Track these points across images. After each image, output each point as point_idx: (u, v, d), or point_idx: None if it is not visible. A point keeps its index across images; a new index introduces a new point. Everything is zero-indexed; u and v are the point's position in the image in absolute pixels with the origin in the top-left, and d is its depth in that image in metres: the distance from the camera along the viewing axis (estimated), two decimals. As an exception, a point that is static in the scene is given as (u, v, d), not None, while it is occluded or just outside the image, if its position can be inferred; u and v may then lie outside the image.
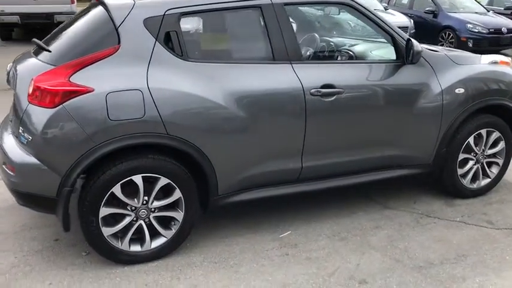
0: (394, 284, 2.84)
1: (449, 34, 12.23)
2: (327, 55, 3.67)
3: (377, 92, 3.38)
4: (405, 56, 3.37)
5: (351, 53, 3.63)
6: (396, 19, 12.08)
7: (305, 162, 3.28)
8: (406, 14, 13.02)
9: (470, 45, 11.78)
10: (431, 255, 3.14)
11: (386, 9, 12.92)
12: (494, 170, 4.00)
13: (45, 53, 2.96)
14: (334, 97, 3.21)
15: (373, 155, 3.51)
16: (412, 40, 3.33)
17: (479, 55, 3.97)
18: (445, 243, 3.28)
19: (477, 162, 3.89)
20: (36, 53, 3.07)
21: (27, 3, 11.68)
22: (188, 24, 3.00)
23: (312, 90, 3.14)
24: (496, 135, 3.86)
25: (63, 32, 3.10)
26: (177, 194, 2.95)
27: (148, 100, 2.74)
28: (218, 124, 2.94)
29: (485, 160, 3.93)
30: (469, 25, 11.94)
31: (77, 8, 11.73)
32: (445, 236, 3.37)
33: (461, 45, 11.90)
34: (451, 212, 3.73)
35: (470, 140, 3.77)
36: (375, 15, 3.42)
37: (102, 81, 2.71)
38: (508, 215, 3.69)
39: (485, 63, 3.86)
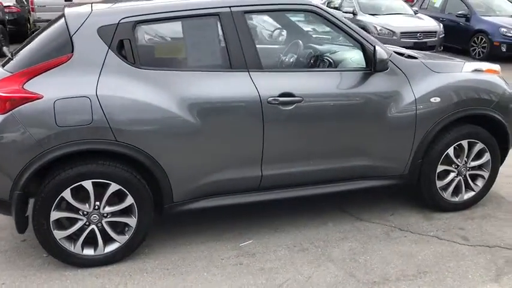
0: (340, 299, 2.76)
1: (481, 38, 11.77)
2: (290, 63, 3.61)
3: (342, 101, 3.30)
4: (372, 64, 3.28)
5: (318, 61, 3.56)
6: (424, 23, 11.77)
7: (265, 171, 3.24)
8: (437, 18, 12.65)
9: (504, 49, 11.31)
10: (391, 270, 3.03)
11: (416, 13, 12.58)
12: (479, 183, 3.81)
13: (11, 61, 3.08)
14: (293, 106, 3.16)
15: (341, 165, 3.43)
16: (377, 47, 3.23)
17: (463, 62, 3.80)
18: (408, 259, 3.15)
19: (459, 174, 3.72)
20: (7, 61, 3.19)
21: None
22: (143, 33, 3.03)
23: (269, 99, 3.10)
24: (479, 146, 3.68)
25: (29, 41, 3.21)
26: (129, 200, 2.99)
27: (96, 107, 2.79)
28: (170, 131, 2.95)
29: (469, 172, 3.74)
30: (502, 29, 11.45)
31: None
32: (411, 251, 3.24)
33: (494, 50, 11.46)
34: (427, 226, 3.58)
35: (450, 151, 3.61)
36: (342, 22, 3.33)
37: (53, 88, 2.78)
38: (487, 231, 3.50)
39: (467, 71, 3.68)
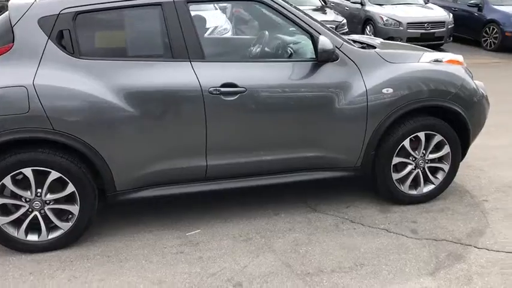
0: (269, 290, 2.77)
1: (493, 29, 11.44)
2: (235, 53, 3.60)
3: (288, 92, 3.27)
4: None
5: (268, 51, 3.54)
6: (432, 14, 11.52)
7: (210, 161, 3.25)
8: (449, 8, 12.36)
9: (515, 40, 10.98)
10: (328, 262, 3.01)
11: (426, 2, 12.31)
12: (440, 176, 3.74)
13: None
14: (236, 96, 3.16)
15: (290, 156, 3.41)
16: (321, 37, 3.19)
17: (422, 52, 3.71)
18: (350, 251, 3.12)
19: (417, 167, 3.65)
20: None
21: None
22: (84, 23, 3.06)
23: (211, 89, 3.10)
24: (437, 138, 3.60)
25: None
26: (70, 188, 3.05)
27: (33, 96, 2.85)
28: (108, 121, 2.99)
29: (428, 165, 3.67)
30: (514, 19, 11.10)
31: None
32: (355, 244, 3.21)
33: (505, 41, 11.13)
34: (380, 218, 3.54)
35: (406, 143, 3.54)
36: (290, 11, 3.30)
37: (-8, 77, 2.86)
38: (439, 224, 3.43)
39: (424, 61, 3.60)
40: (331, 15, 10.64)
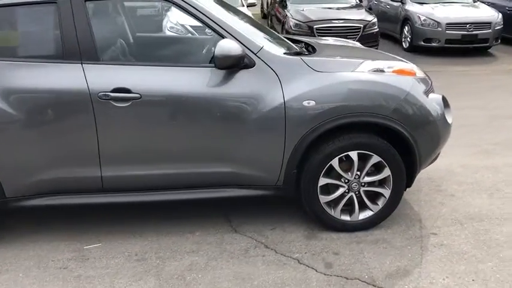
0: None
1: (546, 30, 10.30)
2: (133, 57, 3.30)
3: (190, 100, 2.96)
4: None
5: (174, 54, 3.23)
6: (477, 13, 10.60)
7: (105, 172, 3.02)
8: (503, 7, 11.30)
9: None
10: (211, 294, 2.68)
11: (474, 1, 11.32)
12: (380, 202, 3.26)
13: None
14: (129, 103, 2.89)
15: (197, 171, 3.10)
16: (221, 41, 2.84)
17: (361, 60, 3.24)
18: (242, 282, 2.77)
19: (350, 190, 3.20)
20: None
21: None
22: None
23: (100, 94, 2.86)
24: (375, 159, 3.13)
25: None
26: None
27: None
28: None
29: (364, 189, 3.21)
30: None
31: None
32: (252, 274, 2.84)
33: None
34: (300, 245, 3.14)
35: (334, 162, 3.11)
36: (200, 11, 2.98)
37: None
38: (363, 260, 2.97)
39: (361, 70, 3.13)
40: (360, 14, 10.05)
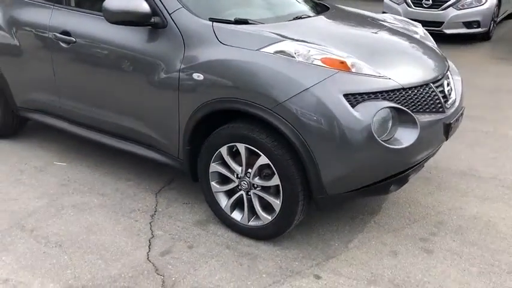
0: None
1: None
2: (81, 4, 3.40)
3: (110, 51, 3.06)
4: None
5: None
6: None
7: (62, 102, 3.48)
8: None
9: None
10: (54, 229, 2.90)
11: None
12: (270, 214, 2.70)
13: None
14: (69, 45, 3.22)
15: (118, 122, 3.22)
16: None
17: (279, 40, 2.58)
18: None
19: (240, 187, 2.77)
20: None
21: None
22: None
23: (53, 34, 3.28)
24: (262, 161, 2.60)
25: None
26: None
27: None
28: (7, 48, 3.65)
29: (255, 192, 2.71)
30: None
31: None
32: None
33: None
34: (174, 232, 2.94)
35: (223, 151, 2.74)
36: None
37: None
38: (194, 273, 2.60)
39: (267, 51, 2.53)
40: None
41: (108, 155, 3.76)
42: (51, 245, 2.74)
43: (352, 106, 2.39)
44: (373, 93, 2.45)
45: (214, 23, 2.77)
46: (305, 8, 3.50)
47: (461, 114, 2.99)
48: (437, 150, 2.98)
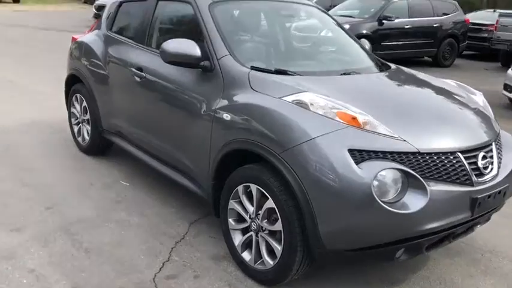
0: None
1: None
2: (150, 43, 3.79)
3: (165, 86, 3.47)
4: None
5: None
6: None
7: (131, 128, 3.95)
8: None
9: None
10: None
11: None
12: (272, 259, 2.72)
13: None
14: (141, 79, 3.67)
15: (172, 153, 3.50)
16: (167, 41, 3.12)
17: (301, 92, 2.67)
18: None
19: (250, 228, 2.84)
20: None
21: None
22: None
23: (131, 69, 3.78)
24: (269, 204, 2.66)
25: None
26: (86, 114, 4.56)
27: None
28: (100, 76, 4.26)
29: (262, 234, 2.76)
30: None
31: None
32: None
33: None
34: (194, 265, 3.09)
35: (240, 190, 2.86)
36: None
37: None
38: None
39: (287, 100, 2.63)
40: None
41: (165, 182, 4.07)
42: (81, 250, 3.07)
43: (356, 163, 2.36)
44: (381, 152, 2.40)
45: (251, 71, 2.97)
46: (363, 66, 3.53)
47: (503, 193, 2.73)
48: (471, 228, 2.75)
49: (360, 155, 2.38)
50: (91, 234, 3.27)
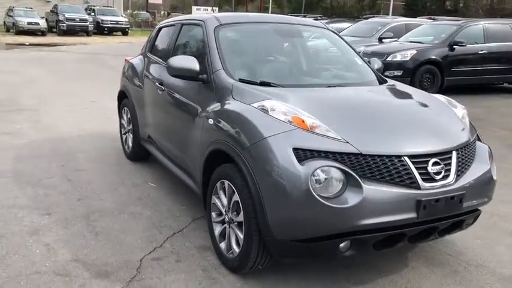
0: None
1: None
2: None
3: (175, 96, 3.99)
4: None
5: None
6: None
7: (156, 136, 4.48)
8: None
9: None
10: (104, 224, 3.78)
11: None
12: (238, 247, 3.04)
13: None
14: (161, 92, 4.22)
15: (182, 154, 3.96)
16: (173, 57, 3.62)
17: (270, 98, 2.97)
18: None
19: (226, 221, 3.19)
20: None
21: None
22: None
23: (156, 84, 4.34)
24: (236, 197, 3.00)
25: None
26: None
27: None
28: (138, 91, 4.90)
29: (232, 226, 3.10)
30: None
31: None
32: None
33: None
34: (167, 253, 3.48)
35: (218, 185, 3.23)
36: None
37: None
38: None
39: (254, 105, 2.99)
40: None
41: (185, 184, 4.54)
42: (93, 233, 3.60)
43: (299, 160, 2.64)
44: (324, 152, 2.65)
45: (235, 82, 3.36)
46: (355, 80, 3.76)
47: (459, 199, 2.81)
48: (429, 234, 2.86)
49: (303, 154, 2.65)
50: (106, 221, 3.80)
